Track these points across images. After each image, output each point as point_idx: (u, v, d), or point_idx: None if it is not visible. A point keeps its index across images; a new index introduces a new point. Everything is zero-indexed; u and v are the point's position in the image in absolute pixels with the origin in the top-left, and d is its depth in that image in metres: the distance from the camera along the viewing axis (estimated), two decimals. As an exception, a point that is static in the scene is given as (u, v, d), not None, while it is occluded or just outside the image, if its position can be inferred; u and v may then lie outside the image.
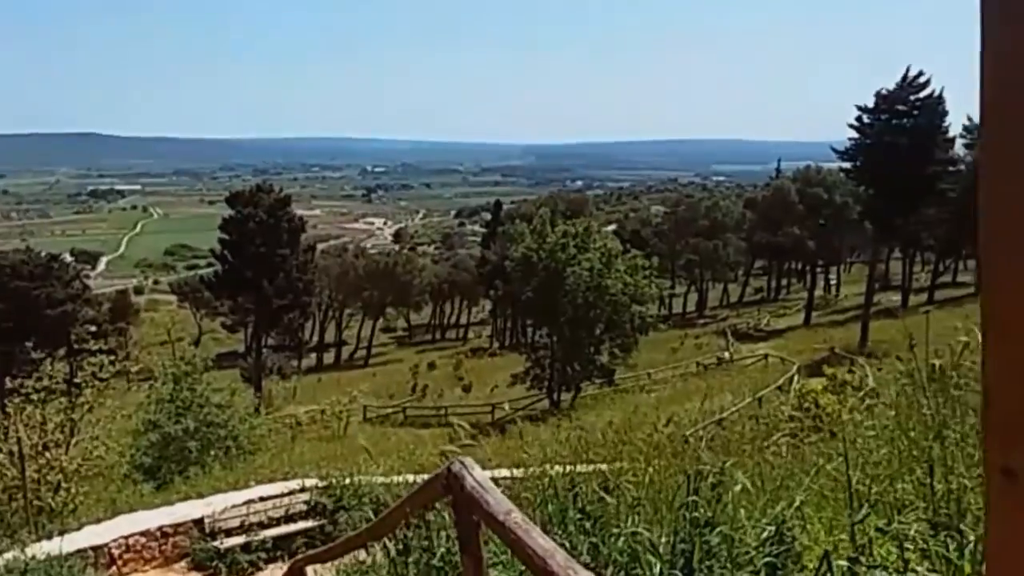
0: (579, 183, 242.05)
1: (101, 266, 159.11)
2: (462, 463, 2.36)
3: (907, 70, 34.25)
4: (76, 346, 38.23)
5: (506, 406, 28.91)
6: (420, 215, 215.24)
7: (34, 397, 10.63)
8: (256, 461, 15.78)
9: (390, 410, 38.65)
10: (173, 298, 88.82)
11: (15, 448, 10.00)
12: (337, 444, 32.43)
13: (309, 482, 10.83)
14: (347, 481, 10.54)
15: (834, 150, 36.42)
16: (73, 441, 11.45)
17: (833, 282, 66.23)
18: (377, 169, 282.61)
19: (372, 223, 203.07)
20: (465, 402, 36.47)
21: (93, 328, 40.54)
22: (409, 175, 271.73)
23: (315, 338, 71.58)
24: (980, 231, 0.86)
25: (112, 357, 17.58)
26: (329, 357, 69.51)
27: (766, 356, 35.45)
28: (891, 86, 34.18)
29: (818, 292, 60.06)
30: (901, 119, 33.93)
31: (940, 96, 33.81)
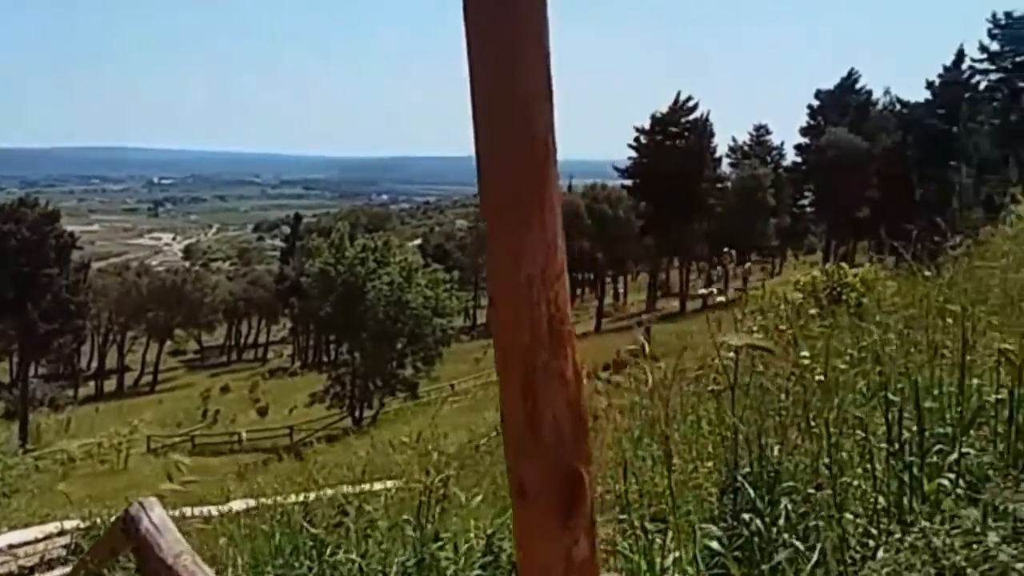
0: (384, 197, 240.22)
1: None
2: (141, 504, 2.22)
3: (678, 94, 37.40)
4: None
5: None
6: (213, 229, 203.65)
7: None
8: (11, 505, 14.12)
9: (177, 439, 36.15)
10: (-83, 326, 77.64)
11: None
12: (117, 478, 29.92)
13: (69, 524, 9.84)
14: (113, 520, 9.67)
15: (616, 168, 38.91)
16: None
17: (622, 291, 70.56)
18: (164, 181, 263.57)
19: (159, 239, 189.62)
20: (261, 426, 34.89)
21: None
22: (201, 187, 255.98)
23: (94, 364, 65.50)
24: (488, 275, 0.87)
25: None
26: (111, 384, 63.81)
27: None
28: (665, 109, 37.14)
29: (609, 300, 63.69)
30: (674, 140, 36.87)
31: (707, 119, 37.18)
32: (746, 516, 2.22)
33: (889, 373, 2.64)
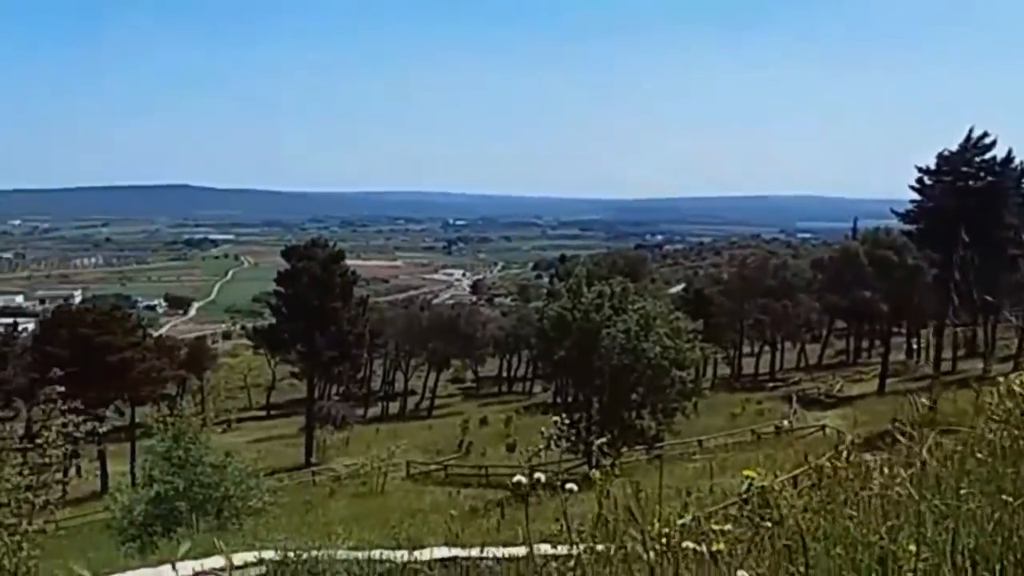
0: (659, 237, 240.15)
1: (192, 311, 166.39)
2: None
3: (970, 131, 32.43)
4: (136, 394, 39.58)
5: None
6: (498, 267, 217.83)
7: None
8: (245, 525, 15.51)
9: (433, 467, 38.14)
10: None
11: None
12: (374, 501, 32.26)
13: (268, 554, 10.44)
14: (304, 556, 10.07)
15: (895, 212, 34.70)
16: (40, 500, 11.39)
17: (916, 348, 62.57)
18: (458, 222, 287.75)
19: (451, 274, 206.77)
20: (508, 462, 35.57)
21: (153, 375, 41.69)
22: (488, 228, 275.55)
23: (385, 387, 72.45)
24: None
25: (166, 411, 17.43)
26: (396, 407, 69.92)
27: (823, 427, 33.38)
28: (953, 147, 32.43)
29: (901, 357, 56.89)
30: (967, 181, 31.98)
31: (1009, 157, 31.76)
32: None
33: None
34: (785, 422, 38.04)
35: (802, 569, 2.43)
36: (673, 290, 70.86)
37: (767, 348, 67.44)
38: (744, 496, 3.07)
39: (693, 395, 30.86)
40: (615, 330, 26.67)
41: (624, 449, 31.02)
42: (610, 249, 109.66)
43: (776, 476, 2.92)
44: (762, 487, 3.03)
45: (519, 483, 2.81)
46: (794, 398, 48.35)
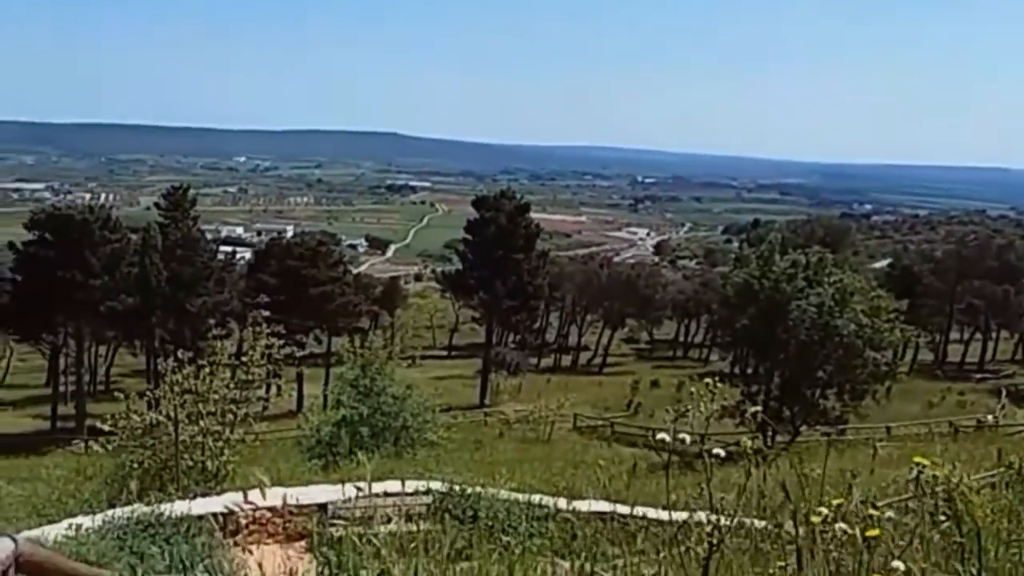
0: (868, 207, 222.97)
1: (390, 252, 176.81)
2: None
3: None
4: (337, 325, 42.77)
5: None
6: (685, 228, 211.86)
7: (206, 365, 11.72)
8: (418, 456, 16.40)
9: (600, 423, 38.41)
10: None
11: (173, 411, 11.13)
12: (538, 448, 33.01)
13: (435, 485, 10.96)
14: (468, 491, 10.50)
15: None
16: (242, 412, 12.55)
17: None
18: (647, 180, 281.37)
19: (635, 233, 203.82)
20: (676, 427, 34.92)
21: (351, 308, 44.69)
22: (679, 187, 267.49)
23: (560, 340, 73.52)
24: None
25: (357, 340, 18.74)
26: (568, 360, 70.76)
27: (1031, 426, 29.97)
28: None
29: None
30: None
31: None
32: None
33: None
34: (990, 417, 34.59)
35: (973, 571, 2.16)
36: (878, 265, 65.77)
37: (978, 336, 61.40)
38: (926, 488, 2.79)
39: (887, 379, 28.63)
40: (807, 303, 25.14)
41: (803, 428, 29.79)
42: (811, 216, 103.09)
43: (955, 468, 2.60)
44: (945, 479, 2.74)
45: (662, 440, 2.72)
46: (1004, 392, 43.93)
